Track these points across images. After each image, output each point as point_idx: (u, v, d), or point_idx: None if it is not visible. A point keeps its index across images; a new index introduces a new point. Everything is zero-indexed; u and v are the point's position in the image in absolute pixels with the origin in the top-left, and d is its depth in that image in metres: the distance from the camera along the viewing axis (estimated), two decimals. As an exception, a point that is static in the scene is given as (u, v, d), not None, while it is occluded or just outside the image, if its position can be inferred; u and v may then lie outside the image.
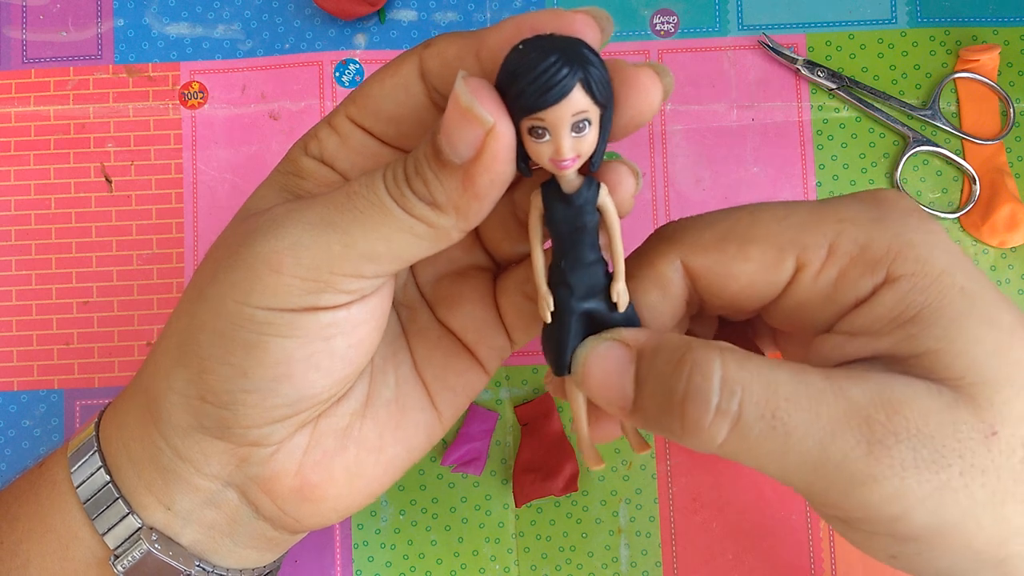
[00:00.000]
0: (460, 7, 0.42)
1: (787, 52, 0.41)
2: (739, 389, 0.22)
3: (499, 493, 0.40)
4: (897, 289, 0.23)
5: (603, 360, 0.24)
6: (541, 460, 0.39)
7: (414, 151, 0.23)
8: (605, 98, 0.22)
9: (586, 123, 0.22)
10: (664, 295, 0.26)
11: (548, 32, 0.22)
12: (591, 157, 0.23)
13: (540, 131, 0.22)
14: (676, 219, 0.26)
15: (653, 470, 0.40)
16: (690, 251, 0.25)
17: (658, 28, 0.42)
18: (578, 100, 0.22)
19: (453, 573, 0.39)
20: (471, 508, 0.40)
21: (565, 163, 0.22)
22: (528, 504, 0.39)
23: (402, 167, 0.23)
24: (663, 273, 0.25)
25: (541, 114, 0.22)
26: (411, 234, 0.23)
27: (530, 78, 0.21)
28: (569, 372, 0.25)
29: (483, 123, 0.21)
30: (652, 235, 0.27)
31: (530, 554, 0.39)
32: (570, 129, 0.22)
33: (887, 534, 0.23)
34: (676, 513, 0.40)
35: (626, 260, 0.25)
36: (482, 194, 0.22)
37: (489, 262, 0.30)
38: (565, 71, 0.21)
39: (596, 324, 0.25)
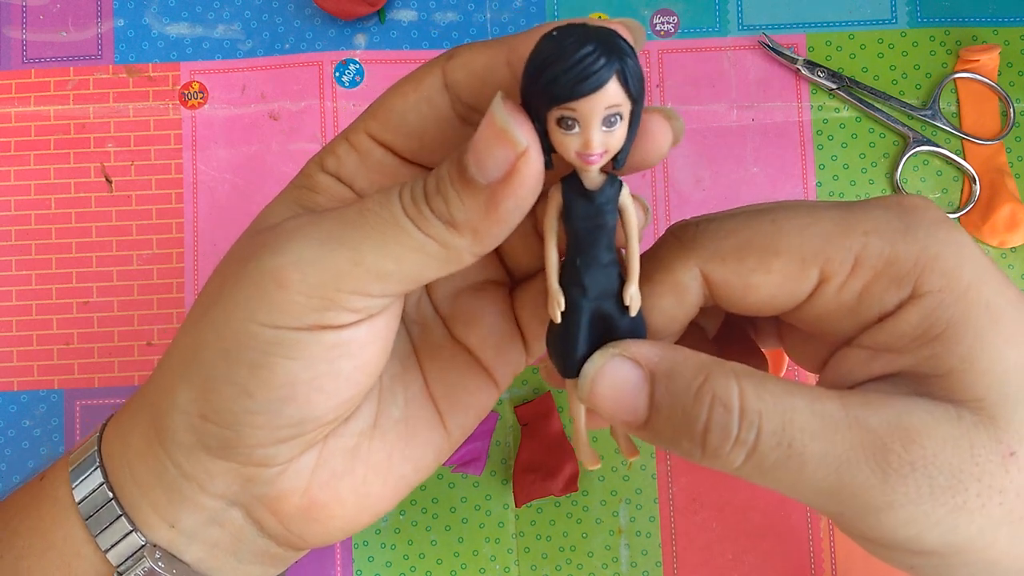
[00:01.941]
0: (460, 7, 0.42)
1: (787, 52, 0.41)
2: (757, 419, 0.22)
3: (499, 493, 0.40)
4: (922, 306, 0.23)
5: (613, 379, 0.23)
6: (541, 460, 0.39)
7: (436, 169, 0.23)
8: (638, 92, 0.22)
9: (617, 117, 0.21)
10: (679, 301, 0.25)
11: (580, 22, 0.22)
12: (616, 154, 0.22)
13: (570, 122, 0.21)
14: (693, 218, 0.26)
15: (653, 470, 0.40)
16: (709, 260, 0.24)
17: (658, 28, 0.42)
18: (613, 92, 0.21)
19: (453, 573, 0.39)
20: (471, 508, 0.40)
21: (592, 158, 0.22)
22: (528, 504, 0.39)
23: (421, 185, 0.23)
24: (680, 280, 0.25)
25: (573, 104, 0.21)
26: (422, 254, 0.23)
27: (565, 66, 0.21)
28: (575, 375, 0.25)
29: (517, 145, 0.21)
30: (668, 235, 0.26)
31: (530, 554, 0.39)
32: (601, 122, 0.21)
33: (904, 549, 0.23)
34: (676, 513, 0.40)
35: (641, 261, 0.25)
36: (504, 218, 0.22)
37: (505, 276, 0.29)
38: (602, 61, 0.21)
39: (605, 326, 0.24)
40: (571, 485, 0.39)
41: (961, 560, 0.23)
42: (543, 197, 0.25)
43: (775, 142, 0.41)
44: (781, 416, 0.22)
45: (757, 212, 0.25)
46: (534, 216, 0.27)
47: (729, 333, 0.30)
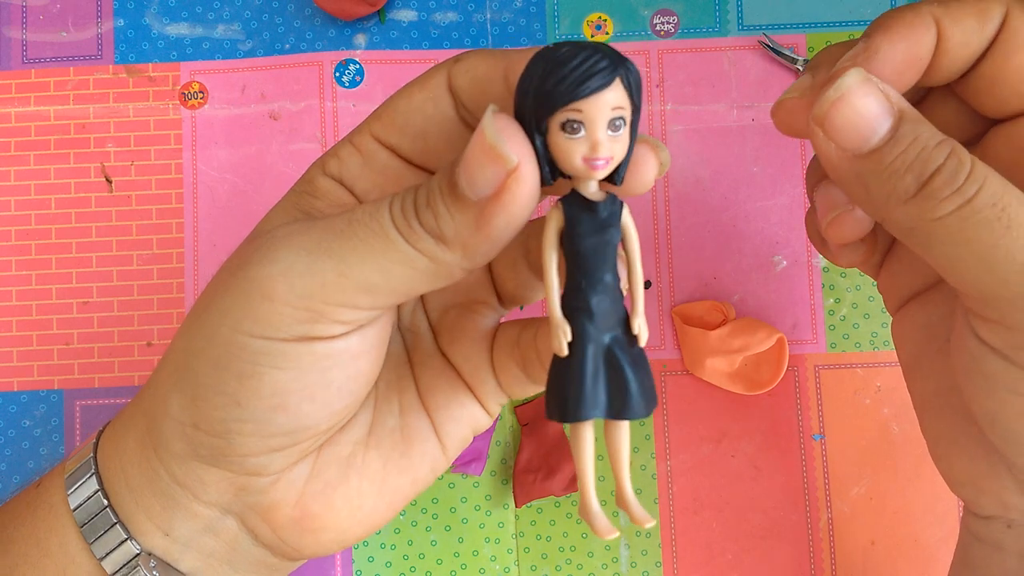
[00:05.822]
0: (460, 7, 0.42)
1: (787, 52, 0.41)
2: (982, 179, 0.22)
3: (499, 493, 0.40)
4: None
5: (865, 101, 0.23)
6: (541, 460, 0.39)
7: (427, 182, 0.22)
8: (639, 100, 0.22)
9: (622, 122, 0.21)
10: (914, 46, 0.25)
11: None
12: (616, 169, 0.22)
13: (575, 125, 0.21)
14: None
15: (653, 470, 0.40)
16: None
17: (658, 28, 0.42)
18: (618, 94, 0.21)
19: (453, 573, 0.39)
20: (471, 508, 0.40)
21: (599, 162, 0.21)
22: (528, 504, 0.39)
23: (412, 197, 0.22)
24: (917, 26, 0.25)
25: (580, 104, 0.21)
26: (410, 267, 0.22)
27: (571, 67, 0.21)
28: (583, 418, 0.22)
29: (507, 162, 0.21)
30: None
31: (530, 554, 0.39)
32: (607, 125, 0.21)
33: None
34: (676, 513, 0.40)
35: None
36: (494, 235, 0.22)
37: (495, 299, 0.29)
38: (606, 63, 0.21)
39: (611, 359, 0.22)
40: (571, 485, 0.39)
41: None
42: (533, 231, 0.25)
43: (775, 142, 0.41)
44: (1002, 185, 0.22)
45: None
46: (526, 246, 0.27)
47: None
